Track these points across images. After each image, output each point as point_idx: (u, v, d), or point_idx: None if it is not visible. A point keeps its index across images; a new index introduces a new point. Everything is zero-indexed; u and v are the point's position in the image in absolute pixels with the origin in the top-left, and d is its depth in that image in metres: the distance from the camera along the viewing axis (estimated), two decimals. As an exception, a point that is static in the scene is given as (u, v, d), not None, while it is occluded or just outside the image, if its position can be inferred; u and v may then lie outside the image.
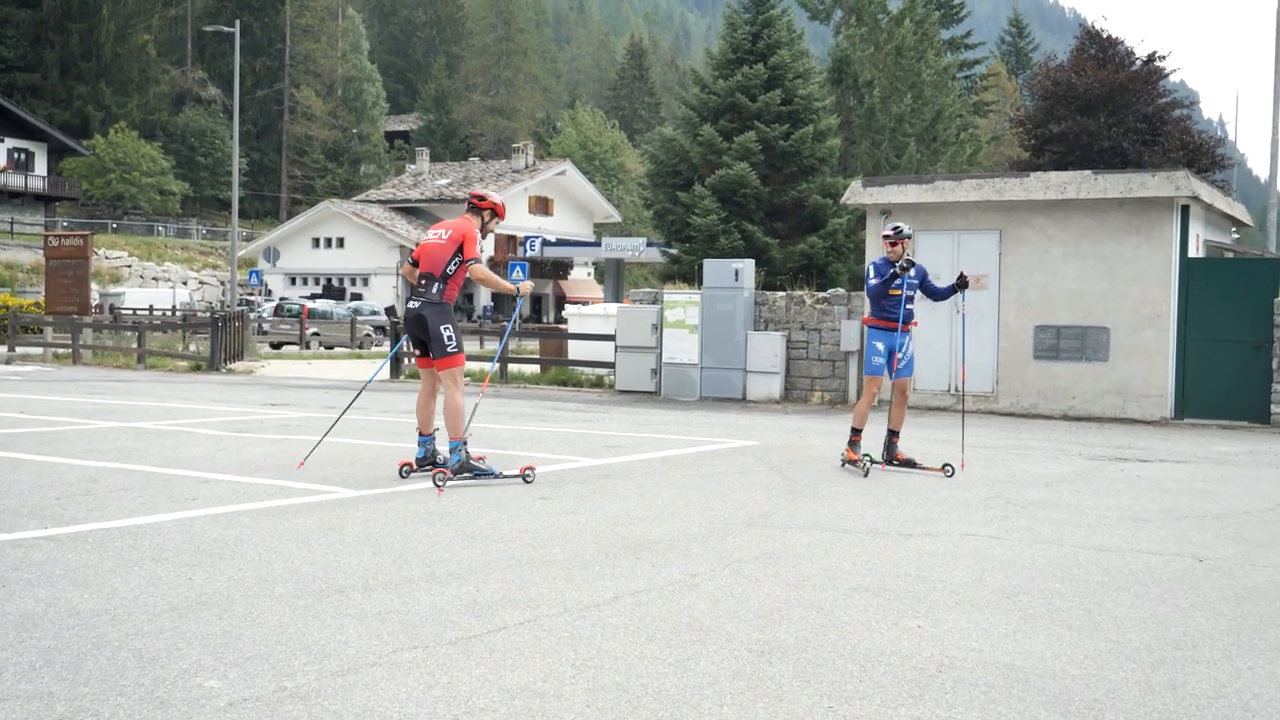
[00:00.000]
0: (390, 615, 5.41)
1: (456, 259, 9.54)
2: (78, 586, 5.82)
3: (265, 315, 48.32)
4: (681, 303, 20.33)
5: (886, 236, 11.15)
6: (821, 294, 20.21)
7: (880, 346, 11.13)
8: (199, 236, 73.27)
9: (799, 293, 20.26)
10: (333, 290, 60.97)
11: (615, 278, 47.17)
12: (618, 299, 42.80)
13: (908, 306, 11.14)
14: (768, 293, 20.37)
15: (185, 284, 61.39)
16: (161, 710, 4.12)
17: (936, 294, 11.44)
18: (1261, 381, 16.92)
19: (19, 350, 32.55)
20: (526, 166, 67.92)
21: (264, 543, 6.97)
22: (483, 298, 60.92)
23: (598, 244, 57.20)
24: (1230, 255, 20.87)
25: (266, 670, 4.58)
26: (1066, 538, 7.73)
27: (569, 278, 64.47)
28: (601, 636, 5.14)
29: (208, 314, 37.13)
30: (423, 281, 9.64)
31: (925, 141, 41.23)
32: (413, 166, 73.53)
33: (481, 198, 9.93)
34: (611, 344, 21.62)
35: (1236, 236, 24.49)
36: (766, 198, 35.91)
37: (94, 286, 41.28)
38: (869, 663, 4.86)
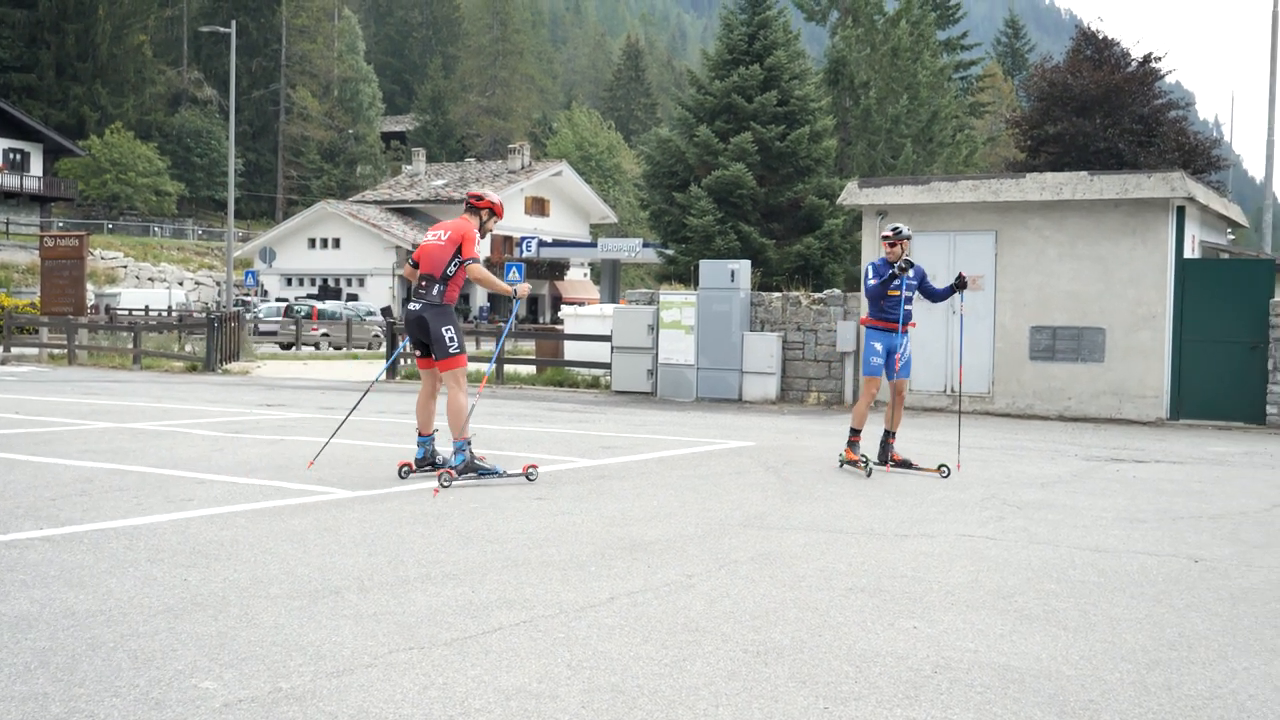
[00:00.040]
0: (386, 616, 5.41)
1: (456, 260, 9.54)
2: (73, 587, 5.81)
3: (262, 316, 48.32)
4: (677, 303, 20.33)
5: (886, 237, 11.15)
6: (817, 295, 20.21)
7: (879, 347, 11.13)
8: (195, 237, 73.26)
9: (795, 293, 20.26)
10: (328, 291, 60.95)
11: (611, 278, 47.20)
12: (614, 300, 42.80)
13: (906, 307, 11.14)
14: (764, 293, 20.38)
15: (181, 284, 61.37)
16: (156, 711, 4.12)
17: (935, 295, 11.45)
18: (1257, 382, 16.93)
19: (14, 351, 32.51)
20: (523, 167, 67.94)
21: (260, 544, 6.96)
22: (478, 298, 60.93)
23: (594, 245, 57.25)
24: (1226, 256, 20.89)
25: (262, 671, 4.58)
26: (1062, 538, 7.73)
27: (565, 278, 64.50)
28: (597, 637, 5.14)
29: (203, 314, 37.09)
30: (423, 283, 9.64)
31: (921, 142, 41.22)
32: (409, 167, 73.54)
33: (479, 197, 9.93)
34: (608, 345, 21.62)
35: (1232, 237, 24.51)
36: (763, 198, 35.90)
37: (90, 287, 41.32)
38: (864, 663, 4.86)
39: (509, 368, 24.73)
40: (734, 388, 19.83)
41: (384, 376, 24.88)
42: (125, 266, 60.40)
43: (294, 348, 42.65)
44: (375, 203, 66.48)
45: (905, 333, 11.17)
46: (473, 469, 9.53)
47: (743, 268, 20.11)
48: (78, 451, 11.17)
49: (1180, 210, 17.45)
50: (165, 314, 45.92)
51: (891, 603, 5.88)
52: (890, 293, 11.10)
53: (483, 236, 9.80)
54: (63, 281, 31.41)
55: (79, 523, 7.49)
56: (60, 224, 64.52)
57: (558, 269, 63.54)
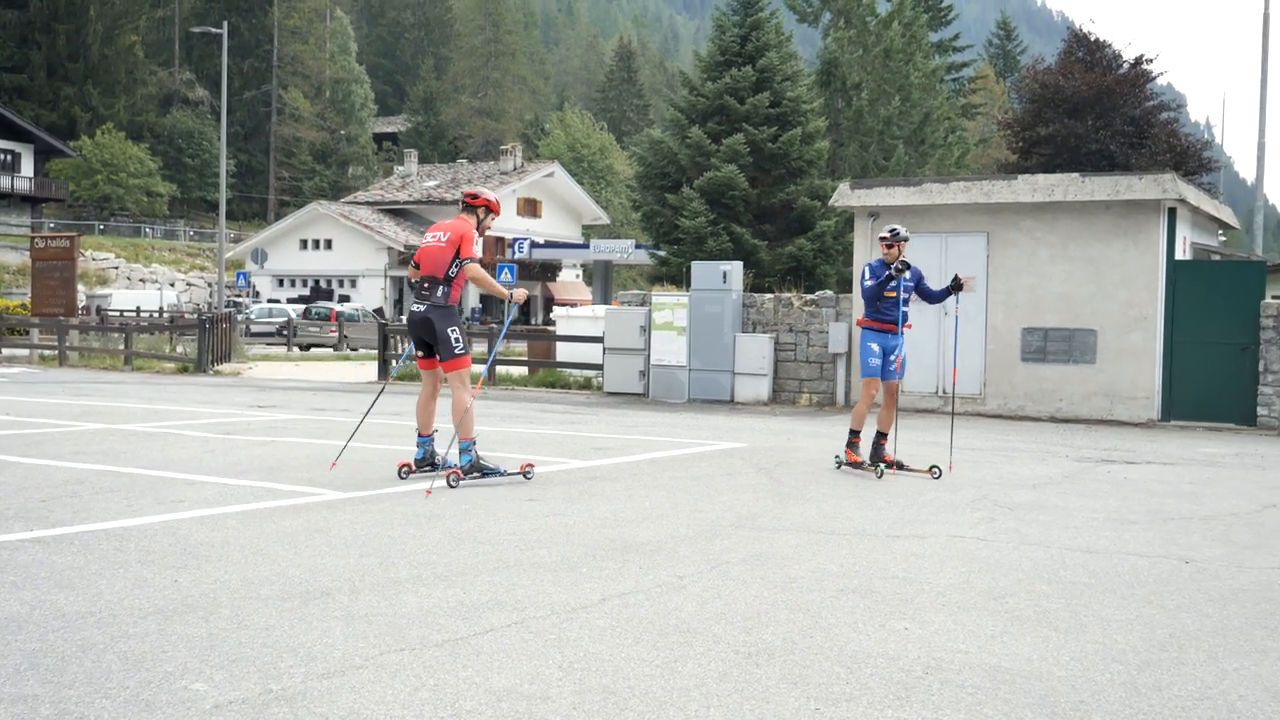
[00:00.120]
0: (377, 617, 5.40)
1: (457, 260, 9.57)
2: (63, 589, 5.80)
3: (254, 317, 48.27)
4: (670, 305, 20.33)
5: (883, 238, 11.16)
6: (809, 296, 20.23)
7: (876, 348, 11.14)
8: (186, 238, 73.12)
9: (787, 295, 20.28)
10: (320, 292, 60.90)
11: (603, 280, 47.20)
12: (606, 301, 42.79)
13: (903, 309, 11.15)
14: (756, 295, 20.38)
15: (172, 285, 61.25)
16: (147, 713, 4.11)
17: (932, 296, 11.45)
18: (1248, 384, 16.97)
19: (5, 352, 32.43)
20: (515, 168, 67.88)
21: (251, 545, 6.95)
22: (471, 299, 60.88)
23: (586, 246, 57.23)
24: (1217, 258, 20.93)
25: (252, 673, 4.57)
26: (1053, 539, 7.74)
27: (557, 280, 64.43)
28: (589, 638, 5.14)
29: (194, 315, 37.03)
30: (425, 285, 9.66)
31: (913, 144, 41.27)
32: (401, 168, 73.47)
33: (475, 195, 9.94)
34: (600, 346, 21.61)
35: (1223, 239, 24.56)
36: (755, 200, 35.93)
37: (81, 288, 41.16)
38: (856, 664, 4.87)
39: (501, 369, 24.70)
40: (726, 389, 19.84)
41: (372, 378, 24.87)
42: (116, 268, 60.28)
43: (289, 346, 42.70)
44: (367, 204, 66.42)
45: (900, 334, 11.19)
46: (478, 469, 9.60)
47: (735, 269, 20.12)
48: (68, 453, 11.14)
49: (1171, 212, 17.49)
50: (156, 315, 45.86)
51: (883, 604, 5.89)
52: (887, 294, 11.11)
53: (481, 235, 9.82)
54: (53, 282, 31.35)
55: (69, 524, 7.47)
56: (51, 225, 64.33)
57: (550, 270, 63.48)
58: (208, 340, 26.79)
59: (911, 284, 11.22)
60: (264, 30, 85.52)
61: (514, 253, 54.13)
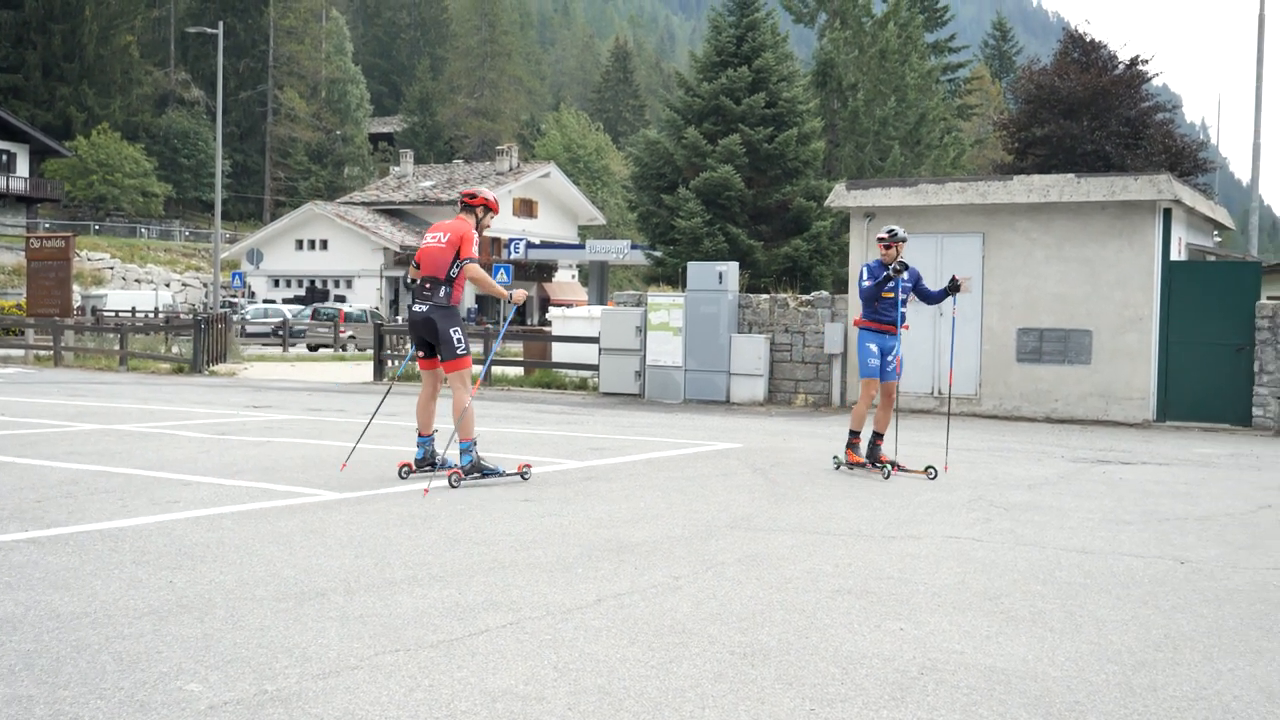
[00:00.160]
0: (372, 618, 5.40)
1: (457, 261, 9.58)
2: (58, 589, 5.79)
3: (250, 317, 48.21)
4: (665, 305, 20.33)
5: (881, 239, 11.16)
6: (805, 297, 20.23)
7: (874, 348, 11.13)
8: (182, 238, 73.04)
9: (783, 295, 20.28)
10: (316, 293, 60.86)
11: (599, 280, 47.15)
12: (602, 301, 42.78)
13: (901, 309, 11.15)
14: (752, 295, 20.38)
15: (168, 286, 61.18)
16: (141, 713, 4.11)
17: (930, 297, 11.44)
18: (1243, 384, 16.99)
19: (0, 353, 32.39)
20: (511, 169, 67.88)
21: (246, 545, 6.94)
22: (467, 299, 60.87)
23: (582, 246, 57.20)
24: (1212, 259, 20.95)
25: (247, 673, 4.57)
26: (1049, 540, 7.75)
27: (553, 280, 64.46)
28: (584, 639, 5.14)
29: (190, 316, 37.01)
30: (427, 285, 9.67)
31: (909, 144, 41.30)
32: (397, 169, 73.45)
33: (473, 195, 9.95)
34: (595, 346, 21.61)
35: (1218, 240, 24.59)
36: (750, 200, 35.94)
37: (76, 288, 41.15)
38: (851, 665, 4.87)
39: (496, 369, 24.69)
40: (721, 389, 19.84)
41: (368, 379, 24.86)
42: (112, 268, 60.20)
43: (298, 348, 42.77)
44: (363, 204, 66.40)
45: (899, 335, 11.19)
46: (478, 469, 9.63)
47: (730, 270, 20.12)
48: (63, 453, 11.13)
49: (1167, 213, 17.51)
50: (152, 315, 45.82)
51: (878, 604, 5.89)
52: (885, 294, 11.11)
53: (481, 234, 9.83)
54: (49, 283, 31.31)
55: (64, 524, 7.46)
56: (46, 225, 64.28)
57: (545, 271, 63.51)
58: (203, 341, 26.76)
59: (910, 285, 11.22)
60: (259, 30, 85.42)
61: (510, 253, 54.05)
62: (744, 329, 20.12)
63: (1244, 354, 16.95)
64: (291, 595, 5.79)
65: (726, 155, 35.18)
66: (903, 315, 11.19)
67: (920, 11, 48.72)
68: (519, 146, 75.72)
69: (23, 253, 41.65)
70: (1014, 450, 13.40)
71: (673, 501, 9.00)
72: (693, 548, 7.22)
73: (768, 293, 21.47)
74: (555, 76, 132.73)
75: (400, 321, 46.52)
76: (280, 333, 45.09)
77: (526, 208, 67.87)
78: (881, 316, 11.14)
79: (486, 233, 10.05)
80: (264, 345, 44.00)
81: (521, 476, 9.81)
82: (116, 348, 29.47)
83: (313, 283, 62.63)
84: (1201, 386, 17.15)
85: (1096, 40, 39.21)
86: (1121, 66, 37.47)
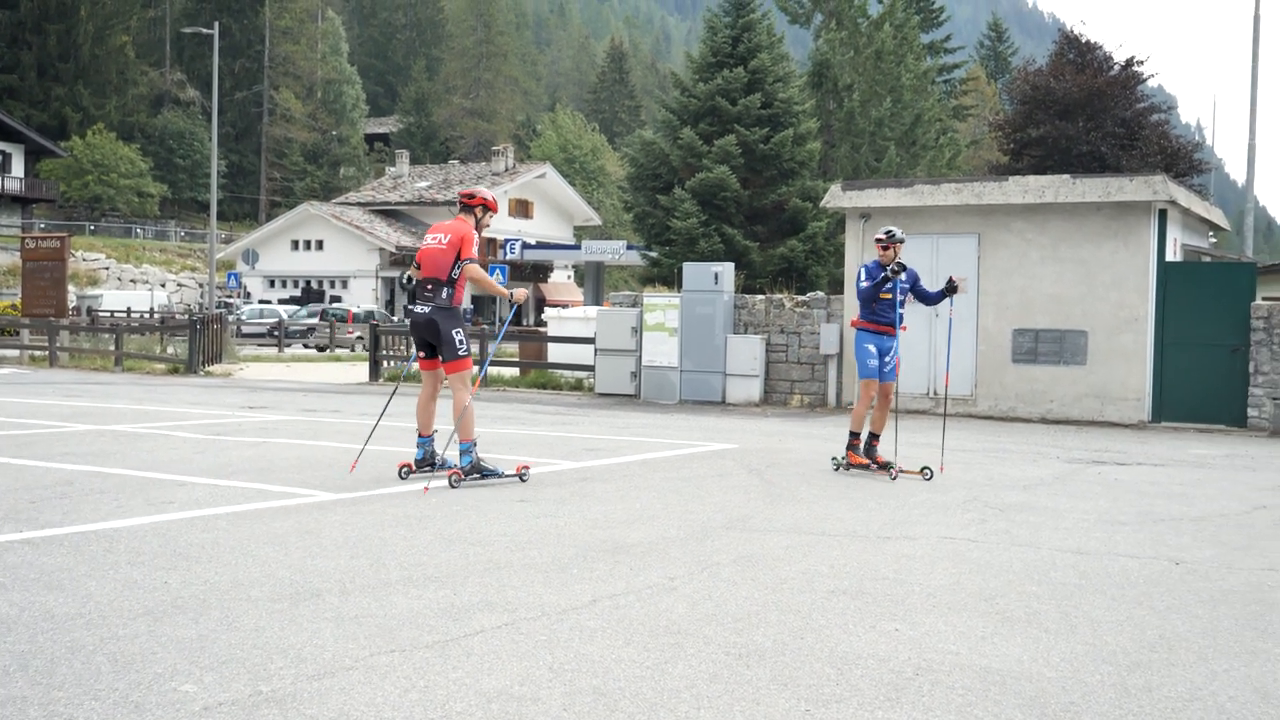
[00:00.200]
0: (367, 619, 5.39)
1: (458, 262, 9.60)
2: (52, 590, 5.78)
3: (245, 318, 48.16)
4: (661, 306, 20.33)
5: (879, 240, 11.16)
6: (801, 297, 20.24)
7: (872, 349, 11.13)
8: (177, 239, 72.99)
9: (779, 296, 20.28)
10: (311, 293, 60.83)
11: (595, 281, 47.20)
12: (598, 302, 42.80)
13: (899, 310, 11.15)
14: (747, 296, 20.39)
15: (163, 286, 61.14)
16: (136, 714, 4.10)
17: (928, 298, 11.44)
18: (1238, 385, 17.00)
19: (-5, 353, 32.37)
20: (506, 169, 67.88)
21: (241, 546, 6.93)
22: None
23: (578, 247, 57.24)
24: (1207, 259, 20.98)
25: (242, 674, 4.56)
26: (1044, 541, 7.75)
27: (549, 280, 64.46)
28: (579, 640, 5.14)
29: (185, 316, 36.97)
30: (429, 287, 9.67)
31: (905, 145, 41.34)
32: (392, 169, 73.42)
33: (471, 195, 9.96)
34: (591, 347, 21.60)
35: (1214, 240, 24.64)
36: (746, 201, 35.96)
37: (71, 289, 41.10)
38: (846, 666, 4.87)
39: (492, 370, 24.68)
40: (717, 390, 19.84)
41: (364, 379, 24.84)
42: (107, 268, 60.16)
43: (296, 348, 42.77)
44: (359, 205, 66.36)
45: (897, 335, 11.19)
46: (478, 470, 9.64)
47: (726, 270, 20.12)
48: (58, 454, 11.12)
49: (1162, 213, 17.52)
50: (147, 316, 45.77)
51: (873, 605, 5.89)
52: (883, 295, 11.10)
53: (480, 233, 9.85)
54: (44, 283, 31.28)
55: (59, 525, 7.45)
56: (42, 225, 64.20)
57: (541, 271, 63.50)
58: (198, 341, 26.74)
59: (907, 286, 11.22)
60: (255, 31, 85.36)
61: (506, 254, 54.12)
62: (739, 330, 20.13)
63: (1239, 355, 16.97)
64: (286, 596, 5.78)
65: (722, 156, 35.20)
66: (901, 316, 11.19)
67: (916, 12, 48.84)
68: (515, 147, 75.73)
69: (18, 253, 41.55)
70: (1009, 451, 13.41)
71: (668, 502, 9.00)
72: (688, 548, 7.22)
73: (763, 293, 21.46)
74: (551, 77, 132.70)
75: (398, 321, 46.62)
76: (276, 333, 45.06)
77: (522, 208, 67.87)
78: (880, 317, 11.14)
79: (484, 233, 10.05)
80: (259, 346, 43.96)
81: (520, 478, 9.82)
82: (112, 348, 29.43)
83: (308, 283, 62.60)
84: (1197, 387, 17.17)
85: (1092, 41, 39.30)
86: (1117, 67, 37.53)
